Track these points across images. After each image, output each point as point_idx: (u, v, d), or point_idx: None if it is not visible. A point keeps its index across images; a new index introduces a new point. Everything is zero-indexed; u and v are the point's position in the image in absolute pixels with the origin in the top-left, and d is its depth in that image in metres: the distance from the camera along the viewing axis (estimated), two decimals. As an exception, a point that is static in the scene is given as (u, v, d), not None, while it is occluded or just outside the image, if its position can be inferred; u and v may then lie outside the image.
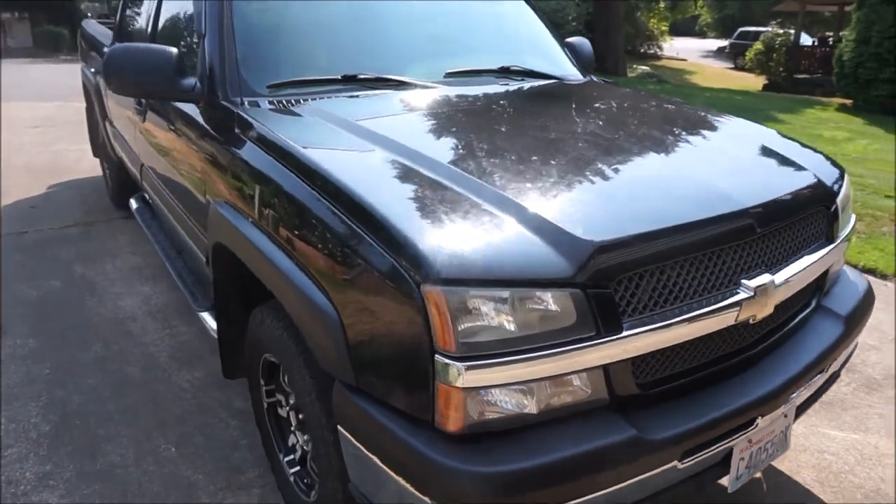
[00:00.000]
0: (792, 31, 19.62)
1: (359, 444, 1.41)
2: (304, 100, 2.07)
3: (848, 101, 11.23)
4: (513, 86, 2.45)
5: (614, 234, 1.34)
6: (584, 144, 1.88)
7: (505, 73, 2.53)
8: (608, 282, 1.31)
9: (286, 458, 2.04)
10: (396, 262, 1.28)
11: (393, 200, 1.42)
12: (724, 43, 30.87)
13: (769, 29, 23.14)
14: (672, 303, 1.39)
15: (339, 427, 1.47)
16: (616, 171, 1.70)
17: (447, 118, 2.05)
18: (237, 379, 2.34)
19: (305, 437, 1.91)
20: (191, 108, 2.28)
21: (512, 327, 1.26)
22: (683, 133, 2.09)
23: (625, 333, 1.31)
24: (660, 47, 27.88)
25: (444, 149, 1.72)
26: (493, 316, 1.25)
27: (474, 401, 1.26)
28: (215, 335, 2.46)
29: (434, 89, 2.24)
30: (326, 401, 1.57)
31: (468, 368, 1.22)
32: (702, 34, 42.90)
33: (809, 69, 18.99)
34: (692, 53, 30.47)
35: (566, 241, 1.31)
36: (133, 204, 3.84)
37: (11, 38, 38.13)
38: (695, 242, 1.42)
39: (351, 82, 2.20)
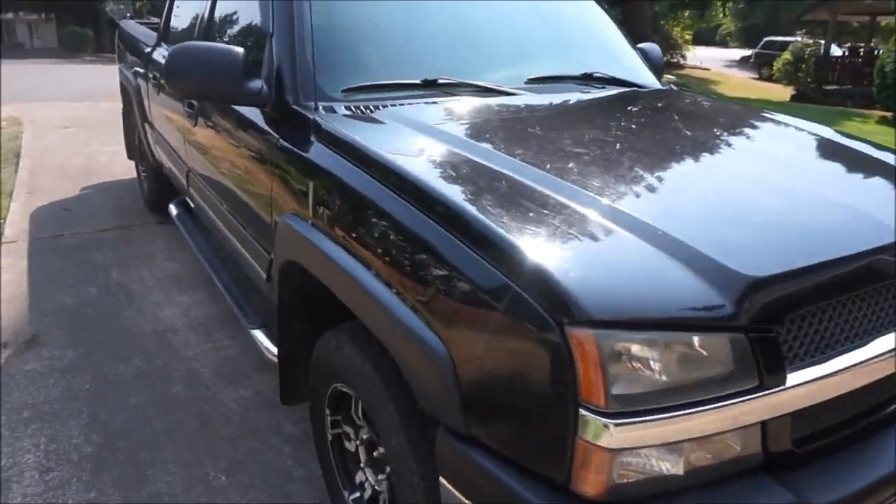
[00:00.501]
0: (821, 42, 19.25)
1: (466, 501, 1.24)
2: (383, 105, 1.91)
3: (888, 114, 10.94)
4: (598, 93, 2.28)
5: (778, 267, 1.16)
6: (701, 161, 1.70)
7: (587, 79, 2.35)
8: (772, 324, 1.12)
9: (352, 496, 1.87)
10: (530, 297, 1.10)
11: (519, 225, 1.24)
12: (747, 52, 30.49)
13: (796, 39, 22.78)
14: (836, 346, 1.21)
15: (441, 479, 1.29)
16: (748, 191, 1.51)
17: (544, 128, 1.86)
18: (295, 405, 2.18)
19: (379, 477, 1.73)
20: (253, 113, 2.12)
21: (665, 377, 1.08)
22: (803, 150, 1.90)
23: (791, 383, 1.12)
24: (683, 56, 27.59)
25: (554, 163, 1.53)
26: (646, 364, 1.07)
27: (618, 462, 1.07)
28: (270, 355, 2.32)
29: (520, 96, 2.07)
30: (417, 445, 1.40)
31: (618, 425, 1.04)
32: (723, 43, 42.50)
33: (839, 80, 18.63)
34: (715, 63, 30.14)
35: (722, 275, 1.13)
36: (173, 209, 3.71)
37: (37, 38, 38.66)
38: (862, 276, 1.24)
39: (431, 87, 2.03)
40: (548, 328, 1.07)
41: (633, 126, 1.99)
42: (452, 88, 2.06)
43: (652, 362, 1.07)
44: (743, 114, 2.33)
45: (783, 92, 18.36)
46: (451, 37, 2.25)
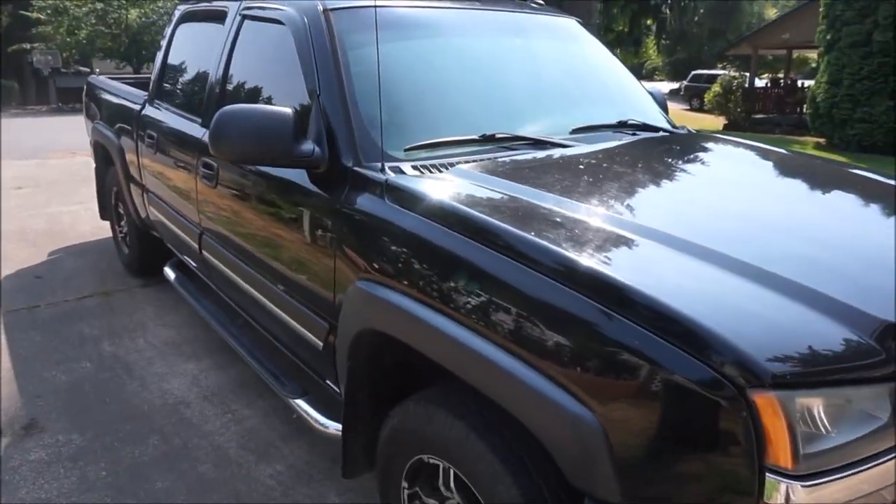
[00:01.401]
0: (746, 74, 20.47)
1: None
2: (448, 162, 1.86)
3: (822, 140, 11.67)
4: (639, 140, 2.31)
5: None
6: (772, 203, 1.74)
7: (622, 126, 2.38)
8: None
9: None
10: (703, 361, 1.07)
11: (661, 283, 1.21)
12: (675, 85, 32.08)
13: (722, 72, 24.13)
14: None
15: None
16: (831, 232, 1.55)
17: (615, 178, 1.86)
18: (355, 478, 2.06)
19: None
20: (298, 175, 2.03)
21: (840, 432, 1.08)
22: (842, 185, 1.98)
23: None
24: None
25: (648, 213, 1.53)
26: (822, 421, 1.07)
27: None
28: (318, 426, 2.21)
29: (575, 147, 2.06)
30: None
31: (806, 486, 1.03)
32: (650, 77, 44.65)
33: (765, 109, 19.83)
34: (646, 96, 31.45)
35: (868, 322, 1.14)
36: (170, 273, 3.53)
37: (-44, 93, 36.85)
38: None
39: (488, 142, 2.01)
40: (726, 392, 1.05)
41: (692, 171, 2.04)
42: (508, 142, 2.05)
43: (827, 418, 1.07)
44: (775, 155, 2.40)
45: (716, 121, 19.33)
46: (499, 92, 2.26)
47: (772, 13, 37.92)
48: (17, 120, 16.75)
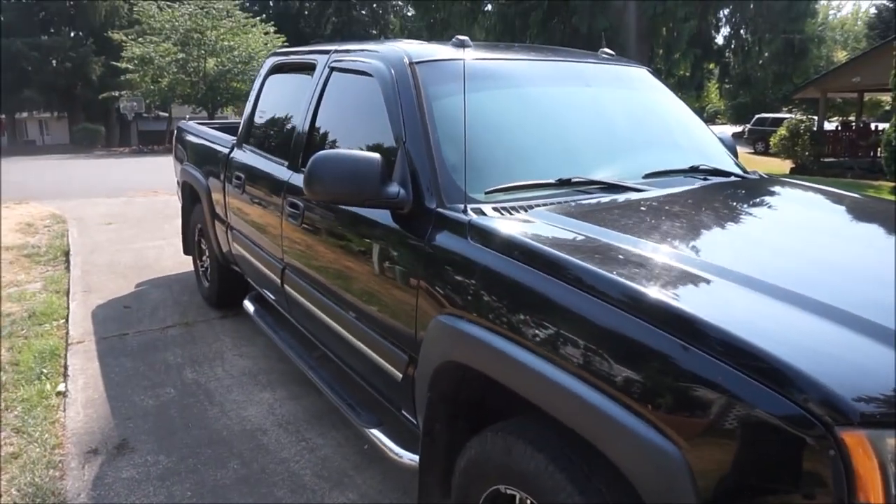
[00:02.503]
0: (813, 117, 19.98)
1: None
2: (528, 205, 1.96)
3: (899, 184, 11.29)
4: (711, 184, 2.35)
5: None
6: (851, 248, 1.77)
7: (693, 171, 2.43)
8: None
9: None
10: (787, 398, 1.10)
11: (744, 321, 1.26)
12: (738, 129, 31.56)
13: (786, 115, 23.64)
14: None
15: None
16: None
17: (691, 221, 1.92)
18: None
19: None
20: (382, 216, 2.16)
21: None
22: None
23: None
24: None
25: (732, 256, 1.59)
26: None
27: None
28: (393, 455, 2.28)
29: (649, 191, 2.13)
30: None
31: None
32: (711, 120, 44.11)
33: (834, 153, 19.26)
34: (709, 140, 30.99)
35: None
36: (249, 306, 3.72)
37: (48, 135, 39.84)
38: None
39: (565, 185, 2.10)
40: (814, 430, 1.07)
41: (765, 215, 2.07)
42: (583, 186, 2.13)
43: None
44: (852, 200, 2.40)
45: (782, 165, 18.87)
46: (574, 138, 2.36)
47: (841, 56, 37.09)
48: (104, 160, 18.01)
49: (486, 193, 2.02)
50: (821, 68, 28.30)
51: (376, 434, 2.37)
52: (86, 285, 5.08)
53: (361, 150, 2.28)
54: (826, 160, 18.63)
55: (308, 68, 3.08)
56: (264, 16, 29.55)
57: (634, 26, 17.97)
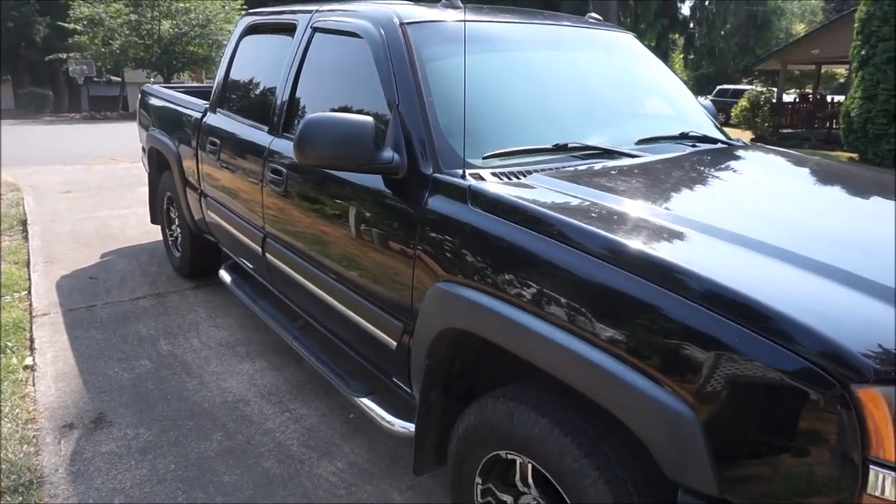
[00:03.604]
0: (773, 89, 20.36)
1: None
2: (527, 171, 1.93)
3: (855, 155, 11.60)
4: (703, 150, 2.37)
5: None
6: (846, 210, 1.80)
7: (683, 137, 2.44)
8: None
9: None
10: (800, 356, 1.13)
11: (754, 282, 1.27)
12: (701, 100, 31.89)
13: (749, 87, 24.03)
14: None
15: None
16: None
17: (691, 185, 1.94)
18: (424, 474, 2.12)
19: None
20: (374, 181, 2.11)
21: None
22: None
23: None
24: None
25: (735, 220, 1.59)
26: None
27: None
28: (385, 423, 2.27)
29: (644, 157, 2.12)
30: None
31: None
32: (673, 92, 44.45)
33: (792, 124, 19.71)
34: (671, 111, 31.35)
35: None
36: (226, 276, 3.63)
37: (-8, 100, 37.84)
38: None
39: (561, 151, 2.08)
40: (828, 387, 1.10)
41: (758, 179, 2.10)
42: (579, 151, 2.11)
43: None
44: (840, 166, 2.45)
45: (743, 136, 19.20)
46: (567, 103, 2.33)
47: (799, 29, 37.72)
48: (54, 126, 17.19)
49: (484, 159, 1.98)
50: (781, 41, 28.74)
51: (367, 403, 2.35)
52: (47, 256, 4.88)
53: (350, 113, 2.21)
54: (784, 131, 19.05)
55: (287, 29, 2.96)
56: (222, -23, 28.41)
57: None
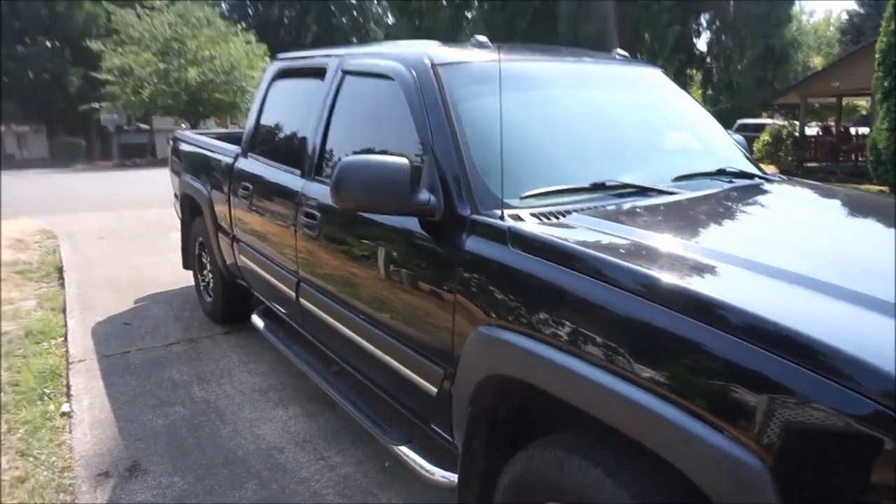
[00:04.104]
0: (795, 123, 20.24)
1: None
2: (566, 211, 1.91)
3: (885, 188, 11.42)
4: (742, 186, 2.33)
5: None
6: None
7: (720, 174, 2.41)
8: None
9: None
10: (869, 399, 1.07)
11: (813, 321, 1.22)
12: (733, 135, 31.71)
13: (769, 121, 23.94)
14: None
15: None
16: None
17: (734, 222, 1.90)
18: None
19: None
20: (410, 223, 2.10)
21: None
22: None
23: None
24: (661, 140, 28.69)
25: (782, 256, 1.54)
26: None
27: None
28: (424, 472, 2.21)
29: (681, 194, 2.09)
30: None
31: None
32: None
33: (815, 158, 19.51)
34: (691, 145, 31.28)
35: None
36: (258, 321, 3.63)
37: (26, 149, 39.22)
38: None
39: (599, 190, 2.06)
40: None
41: (801, 215, 2.05)
42: (616, 190, 2.09)
43: None
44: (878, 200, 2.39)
45: (767, 170, 19.07)
46: (601, 141, 2.32)
47: (817, 61, 37.70)
48: (87, 174, 17.67)
49: (521, 199, 1.97)
50: (798, 74, 28.72)
51: (405, 451, 2.30)
52: (83, 302, 4.94)
53: (384, 155, 2.21)
54: (808, 165, 18.85)
55: (318, 72, 3.01)
56: (244, 24, 29.39)
57: (618, 32, 18.13)
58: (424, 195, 2.00)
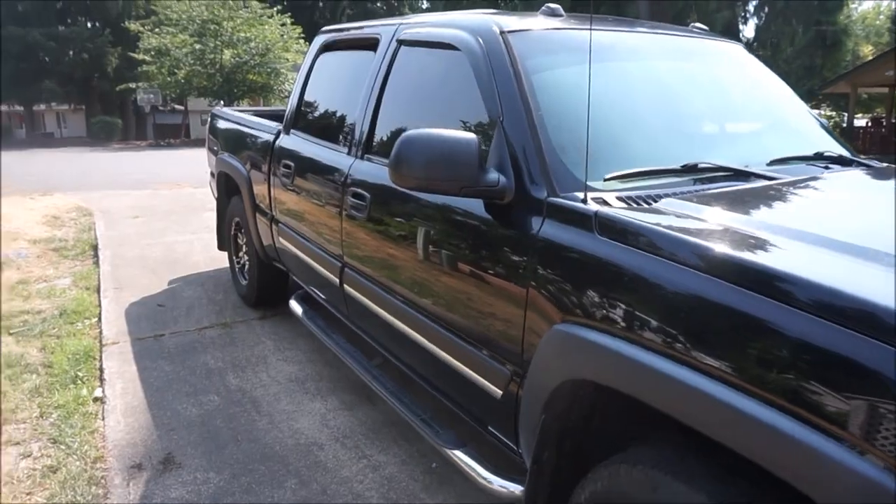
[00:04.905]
0: (844, 114, 19.49)
1: None
2: (656, 195, 1.67)
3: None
4: (853, 171, 2.06)
5: None
6: None
7: (818, 158, 2.13)
8: None
9: None
10: None
11: None
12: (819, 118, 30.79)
13: (815, 112, 23.08)
14: None
15: None
16: None
17: (849, 210, 1.63)
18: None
19: None
20: (473, 207, 1.89)
21: None
22: None
23: None
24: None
25: None
26: None
27: None
28: (481, 479, 2.00)
29: (784, 178, 1.83)
30: None
31: None
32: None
33: (864, 150, 18.75)
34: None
35: None
36: (297, 307, 3.45)
37: (65, 128, 39.92)
38: None
39: (690, 172, 1.81)
40: None
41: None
42: (709, 173, 1.84)
43: None
44: None
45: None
46: (688, 118, 2.07)
47: (867, 50, 36.23)
48: (124, 153, 17.78)
49: (605, 181, 1.73)
50: (848, 63, 27.60)
51: (460, 456, 2.10)
52: (116, 281, 4.84)
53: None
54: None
55: (368, 44, 2.79)
56: (279, 6, 29.29)
57: (661, 18, 17.55)
58: (493, 175, 1.78)
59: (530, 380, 1.67)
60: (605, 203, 1.63)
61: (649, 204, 1.63)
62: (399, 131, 2.42)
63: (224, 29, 26.00)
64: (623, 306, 1.42)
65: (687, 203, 1.61)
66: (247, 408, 3.06)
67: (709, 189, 1.75)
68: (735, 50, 2.66)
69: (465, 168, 1.74)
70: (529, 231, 1.70)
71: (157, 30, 25.96)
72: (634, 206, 1.62)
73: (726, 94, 2.36)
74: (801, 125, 2.43)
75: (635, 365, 1.35)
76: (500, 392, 1.84)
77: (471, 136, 1.76)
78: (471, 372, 1.96)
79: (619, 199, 1.65)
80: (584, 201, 1.62)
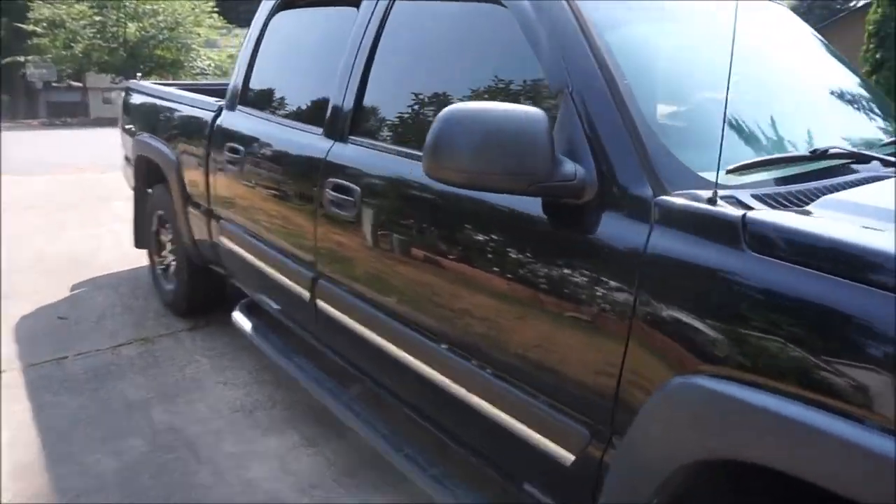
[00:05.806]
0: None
1: None
2: (804, 192, 1.23)
3: None
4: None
5: None
6: None
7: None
8: None
9: None
10: None
11: None
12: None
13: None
14: None
15: None
16: None
17: None
18: None
19: None
20: (524, 206, 1.39)
21: None
22: None
23: None
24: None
25: None
26: None
27: None
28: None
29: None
30: None
31: None
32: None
33: None
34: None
35: None
36: (243, 321, 2.81)
37: (-59, 105, 35.82)
38: None
39: (819, 159, 1.38)
40: None
41: None
42: (840, 160, 1.42)
43: None
44: None
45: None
46: (793, 91, 1.65)
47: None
48: (13, 133, 15.83)
49: (728, 173, 1.26)
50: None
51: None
52: (5, 288, 3.94)
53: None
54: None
55: (348, -1, 2.20)
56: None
57: None
58: (569, 166, 1.28)
59: (630, 448, 1.19)
60: (744, 205, 1.16)
61: (798, 205, 1.19)
62: (405, 107, 1.88)
63: (127, 0, 24.08)
64: (803, 355, 0.96)
65: (850, 202, 1.17)
66: (182, 454, 2.41)
67: (852, 181, 1.33)
68: (786, 13, 2.27)
69: (533, 157, 1.23)
70: (628, 243, 1.22)
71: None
72: (780, 208, 1.17)
73: (814, 63, 1.97)
74: (879, 102, 2.08)
75: (832, 442, 0.90)
76: (571, 457, 1.34)
77: (538, 111, 1.26)
78: (524, 427, 1.45)
79: (756, 197, 1.20)
80: (714, 201, 1.15)
